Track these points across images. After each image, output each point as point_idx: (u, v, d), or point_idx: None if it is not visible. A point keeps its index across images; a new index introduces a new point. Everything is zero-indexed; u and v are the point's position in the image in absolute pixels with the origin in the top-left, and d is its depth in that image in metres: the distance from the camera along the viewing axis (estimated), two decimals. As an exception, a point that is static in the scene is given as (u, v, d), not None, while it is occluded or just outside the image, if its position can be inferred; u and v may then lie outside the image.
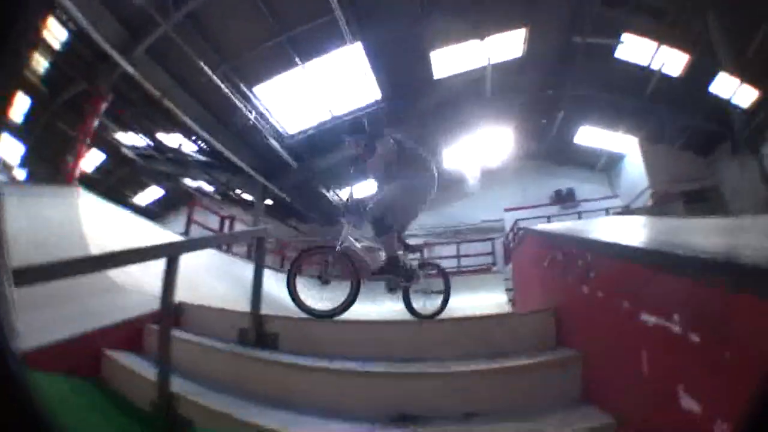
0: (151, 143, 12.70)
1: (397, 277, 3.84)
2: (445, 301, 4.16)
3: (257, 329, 3.04)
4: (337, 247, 3.78)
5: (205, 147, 12.37)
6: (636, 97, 12.99)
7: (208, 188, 15.70)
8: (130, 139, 12.62)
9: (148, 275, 5.63)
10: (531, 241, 3.81)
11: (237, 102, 10.50)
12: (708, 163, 13.69)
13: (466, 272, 12.57)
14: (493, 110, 13.47)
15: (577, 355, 2.27)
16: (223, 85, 10.00)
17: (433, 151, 14.90)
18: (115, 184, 14.44)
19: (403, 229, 4.03)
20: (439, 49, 11.16)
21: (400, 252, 3.91)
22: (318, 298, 3.85)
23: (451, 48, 11.21)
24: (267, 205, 15.61)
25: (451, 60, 11.58)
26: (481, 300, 10.28)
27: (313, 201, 15.73)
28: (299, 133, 12.52)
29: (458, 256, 13.27)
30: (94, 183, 13.43)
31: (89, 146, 9.70)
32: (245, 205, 15.52)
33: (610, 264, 2.14)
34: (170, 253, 2.52)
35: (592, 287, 2.29)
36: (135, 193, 15.88)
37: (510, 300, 10.81)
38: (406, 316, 4.20)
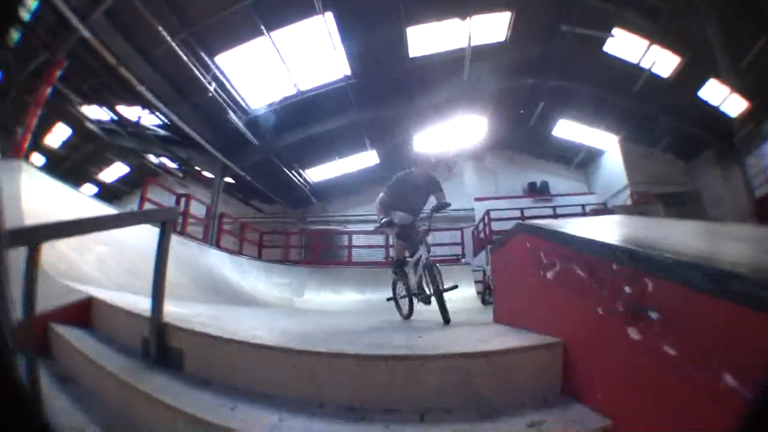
0: (113, 116, 11.86)
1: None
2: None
3: (158, 342, 2.38)
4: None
5: (164, 121, 11.38)
6: (621, 94, 12.56)
7: (172, 165, 14.69)
8: (93, 113, 11.90)
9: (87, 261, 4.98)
10: (525, 240, 2.63)
11: (196, 71, 9.47)
12: (689, 168, 13.66)
13: (434, 262, 12.06)
14: (469, 95, 12.75)
15: (600, 423, 1.54)
16: (181, 52, 8.97)
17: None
18: (80, 160, 13.83)
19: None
20: (417, 26, 10.30)
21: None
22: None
23: (430, 25, 10.36)
24: (229, 184, 14.69)
25: (428, 38, 10.73)
26: (448, 294, 9.65)
27: (278, 181, 14.83)
28: (262, 108, 11.49)
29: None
30: (59, 159, 13.49)
31: (47, 118, 9.45)
32: (209, 183, 14.55)
33: (698, 305, 1.21)
34: (28, 239, 1.90)
35: (649, 334, 1.41)
36: (100, 170, 15.03)
37: (479, 293, 10.53)
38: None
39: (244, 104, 11.21)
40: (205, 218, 11.20)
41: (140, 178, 14.22)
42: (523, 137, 15.65)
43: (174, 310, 3.03)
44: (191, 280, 7.05)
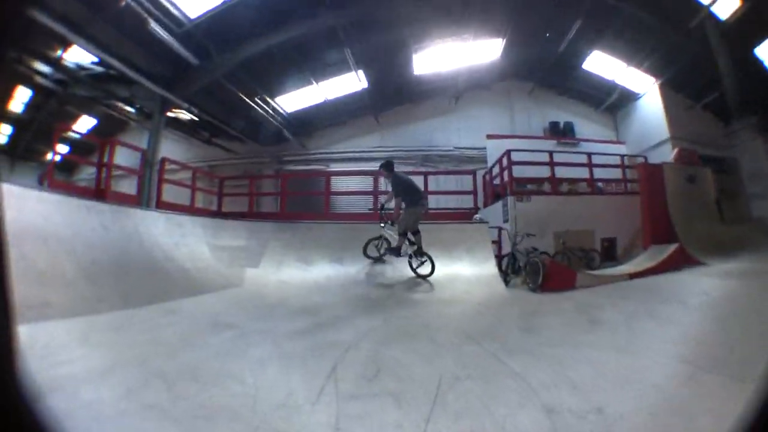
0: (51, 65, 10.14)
1: (399, 256, 7.55)
2: (432, 269, 7.31)
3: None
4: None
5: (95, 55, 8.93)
6: (673, 28, 10.03)
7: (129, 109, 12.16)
8: (41, 67, 10.28)
9: None
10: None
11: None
12: (728, 133, 11.79)
13: (440, 217, 9.81)
14: (485, 8, 9.89)
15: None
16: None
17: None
18: (45, 118, 12.19)
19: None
20: None
21: (405, 244, 7.49)
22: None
23: None
24: (187, 123, 12.03)
25: None
26: (462, 273, 7.59)
27: (237, 111, 12.11)
28: (202, 15, 8.56)
29: (428, 192, 9.63)
30: (25, 122, 12.44)
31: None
32: (176, 124, 12.07)
33: None
34: None
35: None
36: (68, 127, 12.65)
37: (503, 271, 8.04)
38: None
39: (175, 11, 8.29)
40: (138, 168, 8.84)
41: (113, 128, 12.29)
42: (546, 67, 12.77)
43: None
44: (82, 268, 5.08)
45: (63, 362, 3.01)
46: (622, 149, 12.42)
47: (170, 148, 11.20)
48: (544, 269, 6.95)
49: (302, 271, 8.26)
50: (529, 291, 7.03)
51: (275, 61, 10.48)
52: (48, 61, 9.93)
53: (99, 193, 8.04)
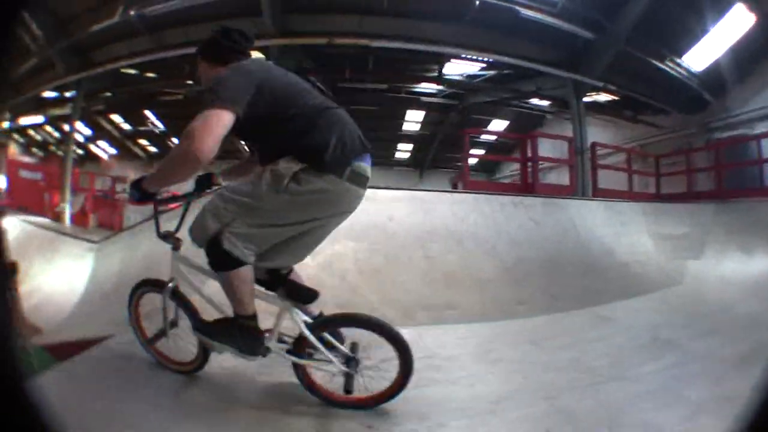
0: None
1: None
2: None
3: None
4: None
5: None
6: None
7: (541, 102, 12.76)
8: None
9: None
10: None
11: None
12: None
13: None
14: None
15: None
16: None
17: None
18: (449, 129, 13.16)
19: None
20: None
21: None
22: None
23: None
24: (607, 104, 11.51)
25: None
26: None
27: (651, 81, 10.65)
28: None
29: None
30: (425, 137, 13.57)
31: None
32: (596, 107, 11.85)
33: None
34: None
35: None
36: (477, 130, 14.17)
37: None
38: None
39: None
40: (567, 158, 8.62)
41: (527, 123, 12.68)
42: None
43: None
44: (503, 267, 4.84)
45: (438, 381, 2.48)
46: None
47: (597, 132, 10.82)
48: None
49: (743, 264, 6.08)
50: None
51: (670, 10, 8.76)
52: (430, 80, 10.92)
53: (527, 187, 8.08)
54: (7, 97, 10.27)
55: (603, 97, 10.80)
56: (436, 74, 10.56)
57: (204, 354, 2.22)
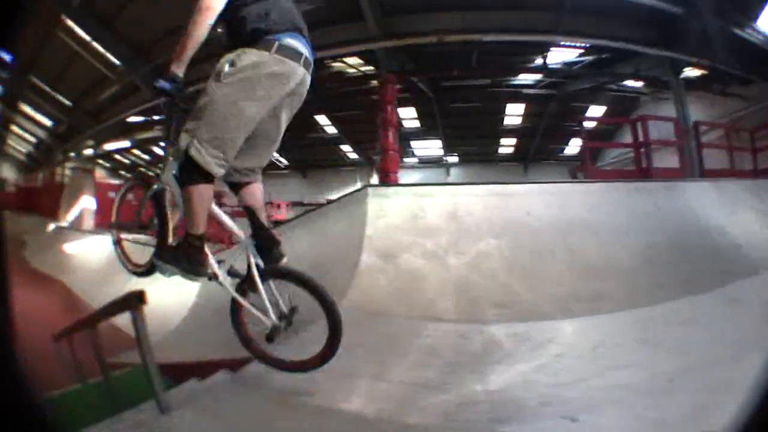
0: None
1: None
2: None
3: None
4: None
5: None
6: None
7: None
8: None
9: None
10: None
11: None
12: None
13: None
14: None
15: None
16: None
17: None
18: (552, 120, 13.22)
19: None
20: None
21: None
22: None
23: None
24: (698, 78, 10.96)
25: None
26: None
27: (733, 49, 10.01)
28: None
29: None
30: (529, 129, 13.28)
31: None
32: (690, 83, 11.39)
33: None
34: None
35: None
36: (582, 118, 13.78)
37: None
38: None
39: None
40: (675, 139, 8.30)
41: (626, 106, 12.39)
42: None
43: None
44: (638, 254, 4.91)
45: (619, 366, 2.62)
46: None
47: (697, 109, 10.42)
48: None
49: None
50: None
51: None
52: (533, 71, 10.85)
53: (642, 172, 7.89)
54: (86, 126, 11.47)
55: (693, 72, 10.55)
56: (540, 64, 10.54)
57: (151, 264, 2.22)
